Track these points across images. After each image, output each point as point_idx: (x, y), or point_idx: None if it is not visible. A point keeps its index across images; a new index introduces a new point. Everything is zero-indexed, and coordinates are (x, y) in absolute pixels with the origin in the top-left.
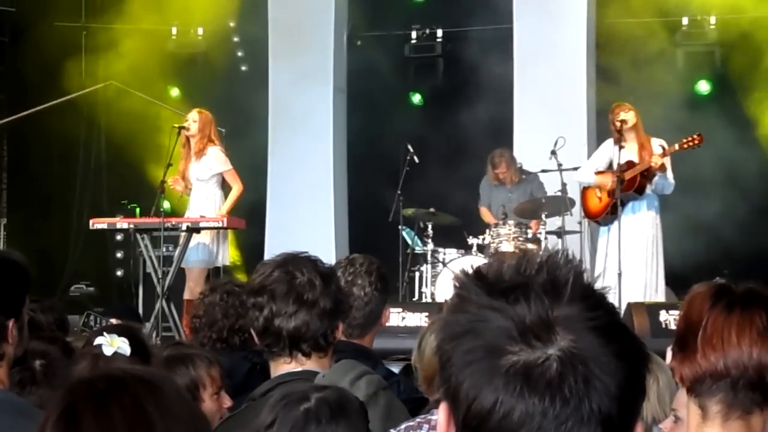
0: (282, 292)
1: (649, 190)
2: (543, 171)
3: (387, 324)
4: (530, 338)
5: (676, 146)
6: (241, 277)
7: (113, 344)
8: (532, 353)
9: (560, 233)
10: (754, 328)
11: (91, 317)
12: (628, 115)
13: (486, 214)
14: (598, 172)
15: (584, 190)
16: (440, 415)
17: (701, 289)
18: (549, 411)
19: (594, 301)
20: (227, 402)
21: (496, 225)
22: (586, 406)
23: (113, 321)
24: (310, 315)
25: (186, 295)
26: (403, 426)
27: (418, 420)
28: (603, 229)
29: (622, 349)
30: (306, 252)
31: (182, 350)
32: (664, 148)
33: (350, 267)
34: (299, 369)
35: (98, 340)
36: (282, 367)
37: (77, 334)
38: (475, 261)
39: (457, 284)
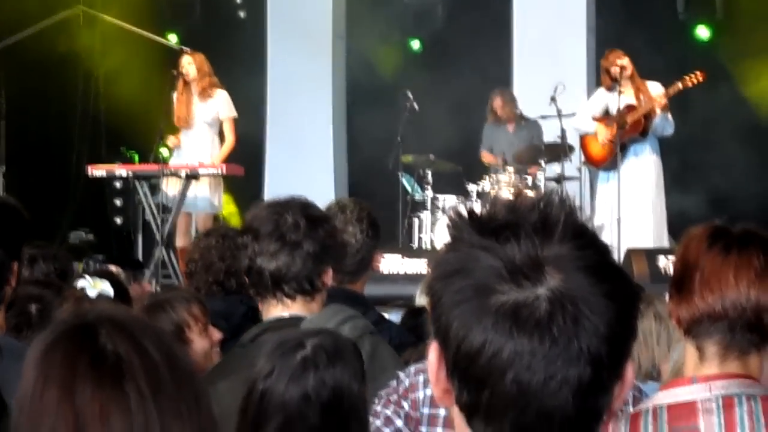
0: (266, 231)
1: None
2: (542, 117)
3: (387, 271)
4: (519, 278)
5: (680, 85)
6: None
7: (96, 286)
8: (521, 293)
9: (559, 179)
10: (751, 269)
11: (90, 264)
12: (625, 61)
13: (487, 156)
14: (596, 119)
15: (584, 137)
16: (430, 355)
17: (698, 231)
18: (538, 350)
19: (585, 240)
20: (217, 335)
21: (496, 171)
22: (575, 345)
23: (113, 268)
24: (291, 256)
25: (179, 243)
26: (413, 367)
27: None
28: (603, 176)
29: (612, 289)
30: (302, 196)
31: (158, 297)
32: (666, 88)
33: (341, 214)
34: (287, 314)
35: (81, 283)
36: (271, 310)
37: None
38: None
39: (450, 224)
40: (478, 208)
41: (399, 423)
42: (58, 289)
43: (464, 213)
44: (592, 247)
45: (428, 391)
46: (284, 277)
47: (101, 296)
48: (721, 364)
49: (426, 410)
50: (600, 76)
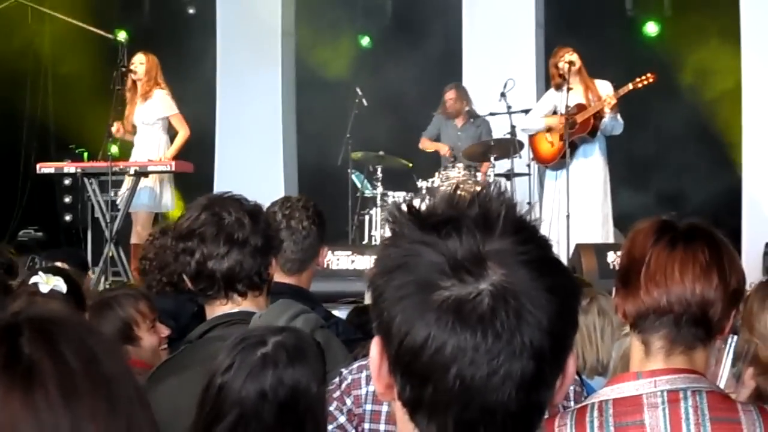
0: (212, 234)
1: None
2: (492, 114)
3: (336, 268)
4: (462, 273)
5: (630, 86)
6: None
7: (49, 282)
8: (463, 288)
9: (509, 176)
10: (697, 263)
11: (36, 260)
12: (574, 57)
13: (425, 143)
14: (545, 116)
15: (532, 137)
16: (372, 350)
17: (644, 226)
18: (481, 345)
19: (526, 234)
20: (164, 331)
21: (445, 168)
22: (518, 339)
23: (59, 264)
24: (242, 254)
25: (133, 240)
26: (355, 364)
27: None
28: (551, 173)
29: (554, 283)
30: (229, 192)
31: (106, 294)
32: (616, 89)
33: (287, 202)
34: (236, 310)
35: (34, 279)
36: (218, 309)
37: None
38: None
39: (390, 219)
40: (417, 202)
41: (342, 419)
42: (2, 286)
43: (404, 208)
44: (533, 242)
45: (371, 388)
46: (236, 276)
47: (54, 292)
48: (667, 359)
49: (368, 407)
50: (549, 73)
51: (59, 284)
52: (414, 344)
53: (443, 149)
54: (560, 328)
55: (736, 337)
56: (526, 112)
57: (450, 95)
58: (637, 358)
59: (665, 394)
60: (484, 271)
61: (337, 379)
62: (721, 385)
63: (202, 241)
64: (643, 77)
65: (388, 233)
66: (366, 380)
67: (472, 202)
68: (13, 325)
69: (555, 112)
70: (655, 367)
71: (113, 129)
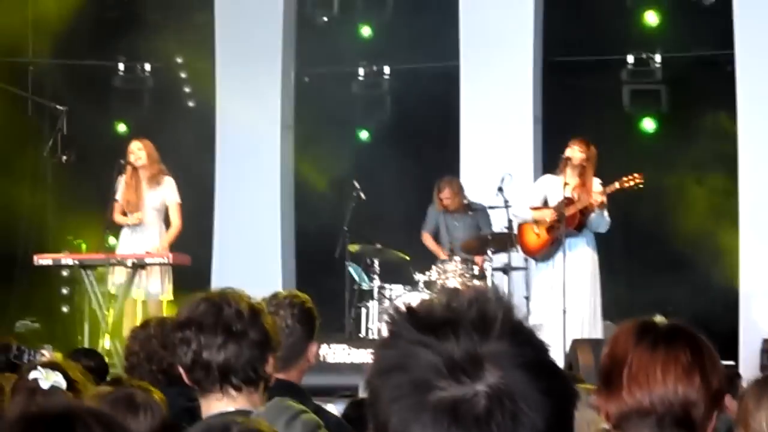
0: (210, 324)
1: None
2: (490, 207)
3: (333, 361)
4: (458, 374)
5: (616, 185)
6: None
7: (49, 378)
8: (460, 389)
9: (506, 269)
10: (678, 364)
11: (23, 352)
12: (572, 152)
13: (428, 240)
14: (534, 208)
15: (521, 226)
16: None
17: (626, 326)
18: None
19: (523, 337)
20: None
21: (443, 261)
22: None
23: (45, 354)
24: (239, 346)
25: (126, 332)
26: None
27: None
28: (540, 265)
29: (550, 386)
30: (231, 287)
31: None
32: (603, 186)
33: (274, 300)
34: (231, 408)
35: (33, 374)
36: (213, 405)
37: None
38: (422, 297)
39: (388, 320)
40: (416, 303)
41: None
42: None
43: (403, 309)
44: (529, 345)
45: None
46: (232, 368)
47: (53, 388)
48: None
49: None
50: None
51: (59, 380)
52: None
53: (441, 255)
54: (555, 430)
55: None
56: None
57: (446, 194)
58: None
59: None
60: (480, 372)
61: None
62: None
63: (199, 330)
64: (630, 177)
65: (385, 333)
66: None
67: (470, 304)
68: (65, 415)
69: (546, 202)
70: None
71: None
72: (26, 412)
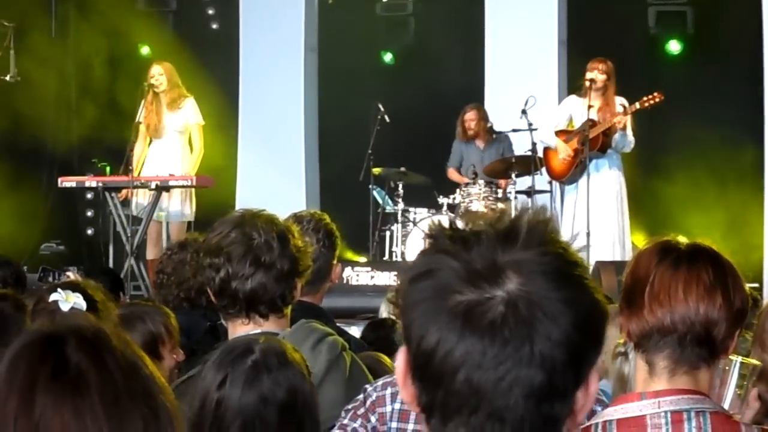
0: (239, 253)
1: (610, 148)
2: (513, 131)
3: (356, 283)
4: (478, 280)
5: (637, 105)
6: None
7: (69, 300)
8: (477, 294)
9: (530, 193)
10: (701, 283)
11: (49, 273)
12: (594, 75)
13: (453, 174)
14: (559, 131)
15: (546, 151)
16: (399, 358)
17: (648, 246)
18: (488, 351)
19: (550, 247)
20: (181, 356)
21: (467, 185)
22: (527, 348)
23: (69, 274)
24: (267, 277)
25: (149, 254)
26: (380, 381)
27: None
28: (569, 188)
29: (572, 296)
30: (264, 209)
31: (135, 308)
32: (625, 107)
33: (297, 225)
34: (258, 330)
35: (53, 297)
36: (240, 328)
37: (35, 290)
38: (444, 220)
39: (427, 233)
40: (457, 220)
41: None
42: (15, 302)
43: (444, 223)
44: (555, 255)
45: (396, 405)
46: (260, 299)
47: (74, 310)
48: (671, 379)
49: (394, 424)
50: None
51: (79, 301)
52: (427, 347)
53: (461, 180)
54: (576, 342)
55: (740, 357)
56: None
57: (471, 116)
58: (641, 378)
59: (669, 414)
60: (500, 278)
61: (361, 396)
62: (726, 406)
63: (228, 259)
64: (650, 97)
65: (410, 249)
66: (391, 398)
67: (502, 217)
68: (57, 335)
69: (571, 120)
70: (659, 387)
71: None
72: (23, 334)
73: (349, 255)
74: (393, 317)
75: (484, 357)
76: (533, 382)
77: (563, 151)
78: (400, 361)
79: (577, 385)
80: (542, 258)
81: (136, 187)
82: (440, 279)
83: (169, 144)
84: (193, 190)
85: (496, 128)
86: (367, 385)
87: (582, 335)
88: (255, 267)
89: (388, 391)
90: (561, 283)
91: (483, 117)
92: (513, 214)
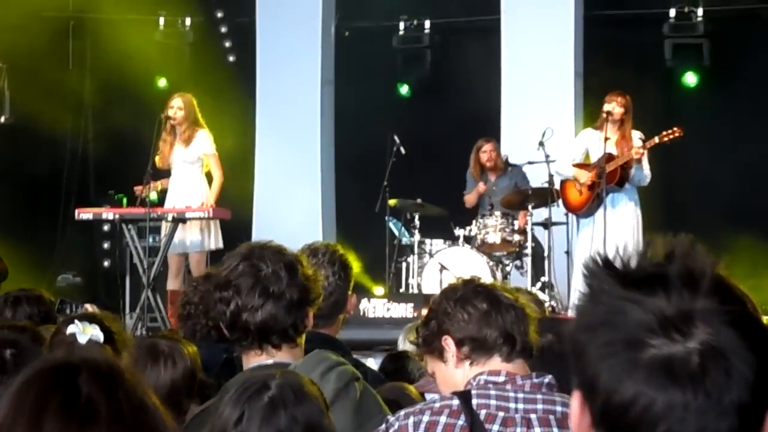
0: (247, 285)
1: (628, 182)
2: (530, 162)
3: (372, 315)
4: (671, 331)
5: (656, 139)
6: None
7: (86, 332)
8: (673, 346)
9: (547, 224)
10: None
11: (66, 305)
12: (611, 107)
13: (471, 197)
14: (576, 164)
15: (563, 183)
16: (573, 403)
17: None
18: (691, 403)
19: (729, 293)
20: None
21: (483, 216)
22: (726, 398)
23: (87, 307)
24: (277, 307)
25: (170, 286)
26: (402, 411)
27: (419, 407)
28: (584, 222)
29: (756, 341)
30: (270, 241)
31: (161, 344)
32: (643, 141)
33: (312, 258)
34: (270, 361)
35: (71, 329)
36: (253, 359)
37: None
38: (462, 252)
39: (586, 273)
40: (611, 257)
41: None
42: (33, 335)
43: (600, 262)
44: (737, 301)
45: None
46: (272, 329)
47: (91, 342)
48: None
49: None
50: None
51: (96, 333)
52: (622, 402)
53: (480, 188)
54: (762, 385)
55: None
56: (555, 161)
57: (488, 147)
58: None
59: None
60: (692, 329)
61: (383, 427)
62: None
63: (237, 292)
64: (670, 131)
65: (426, 281)
66: (413, 427)
67: (671, 258)
68: (71, 365)
69: (587, 152)
70: None
71: (137, 189)
72: (34, 365)
73: (365, 281)
74: (411, 350)
75: (686, 410)
76: (731, 431)
77: (583, 176)
78: (575, 406)
79: (759, 427)
80: (727, 306)
81: (153, 219)
82: (627, 331)
83: (184, 176)
84: (217, 220)
85: (512, 160)
86: (389, 416)
87: (765, 377)
88: (264, 298)
89: (411, 420)
90: (746, 330)
91: (498, 149)
92: (677, 253)
